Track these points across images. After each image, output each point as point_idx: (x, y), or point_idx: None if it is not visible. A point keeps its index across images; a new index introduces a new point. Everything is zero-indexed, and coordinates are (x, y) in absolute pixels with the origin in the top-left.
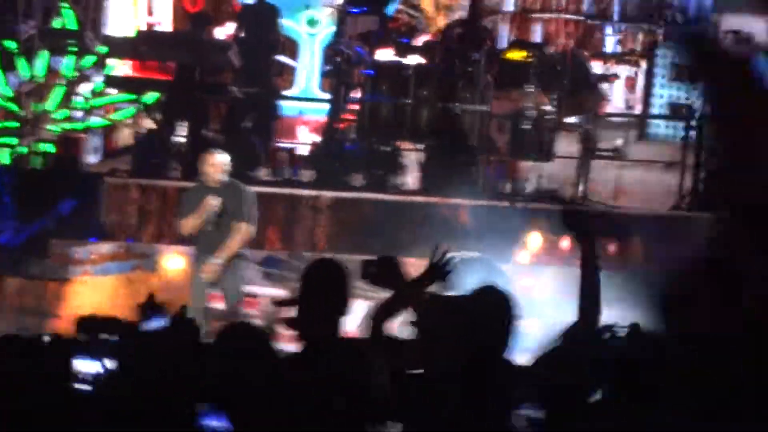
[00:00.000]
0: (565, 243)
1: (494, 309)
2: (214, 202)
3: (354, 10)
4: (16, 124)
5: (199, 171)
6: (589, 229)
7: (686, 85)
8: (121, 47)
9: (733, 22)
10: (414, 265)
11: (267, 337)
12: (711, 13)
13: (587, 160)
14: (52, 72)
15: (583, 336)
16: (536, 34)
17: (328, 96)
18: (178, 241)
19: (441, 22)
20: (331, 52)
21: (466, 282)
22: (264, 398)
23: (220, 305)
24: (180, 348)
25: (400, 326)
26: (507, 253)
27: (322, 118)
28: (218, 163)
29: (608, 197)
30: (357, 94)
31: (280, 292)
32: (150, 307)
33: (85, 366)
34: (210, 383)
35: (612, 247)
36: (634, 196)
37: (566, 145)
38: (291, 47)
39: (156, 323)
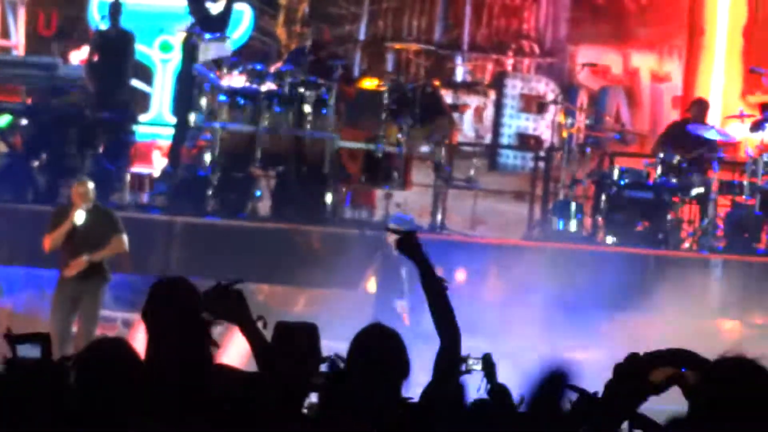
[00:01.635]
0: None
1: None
2: (78, 215)
3: (207, 36)
4: None
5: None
6: (423, 254)
7: (534, 116)
8: None
9: (588, 54)
10: (265, 292)
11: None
12: (565, 44)
13: (443, 189)
14: None
15: (448, 363)
16: (388, 63)
17: (177, 121)
18: (33, 265)
19: (294, 49)
20: (183, 77)
21: None
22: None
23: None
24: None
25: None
26: (357, 280)
27: (172, 143)
28: (85, 190)
29: (465, 226)
30: (209, 119)
31: (132, 316)
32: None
33: None
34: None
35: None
36: (489, 225)
37: (420, 174)
38: (145, 72)
39: (28, 351)
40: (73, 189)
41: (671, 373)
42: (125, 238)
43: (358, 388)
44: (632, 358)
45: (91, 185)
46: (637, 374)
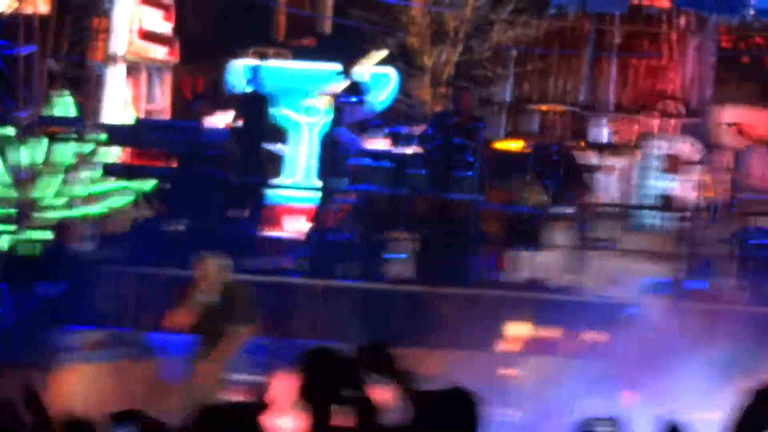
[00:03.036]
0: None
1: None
2: (202, 295)
3: (351, 99)
4: (14, 211)
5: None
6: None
7: (679, 176)
8: (119, 135)
9: (733, 114)
10: (407, 355)
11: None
12: (711, 104)
13: (585, 250)
14: (50, 159)
15: None
16: (532, 125)
17: (323, 184)
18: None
19: (438, 111)
20: (328, 141)
21: None
22: None
23: None
24: None
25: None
26: (494, 341)
27: (318, 206)
28: (211, 269)
29: (602, 287)
30: (354, 183)
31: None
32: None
33: None
34: None
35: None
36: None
37: (562, 236)
38: (281, 135)
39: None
40: (199, 265)
41: None
42: (248, 329)
43: None
44: None
45: (219, 262)
46: None
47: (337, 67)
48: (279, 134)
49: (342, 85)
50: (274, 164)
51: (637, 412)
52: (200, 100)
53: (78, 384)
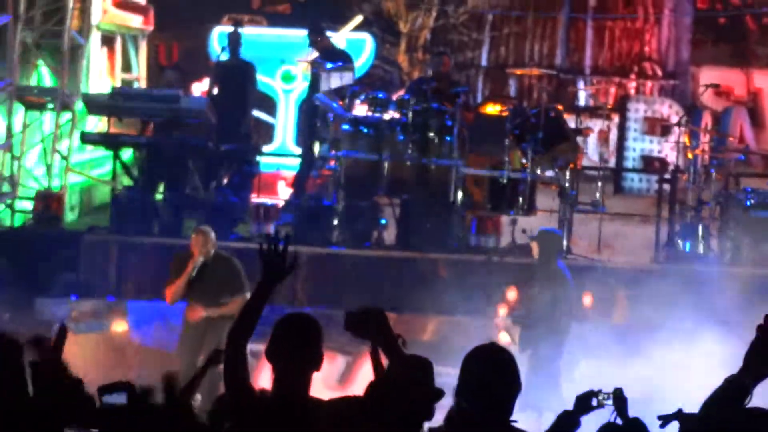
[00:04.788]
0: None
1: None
2: (196, 265)
3: (328, 65)
4: None
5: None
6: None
7: (658, 138)
8: (97, 104)
9: (711, 75)
10: (392, 320)
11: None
12: (688, 66)
13: (568, 214)
14: (28, 129)
15: None
16: (511, 89)
17: (302, 151)
18: (159, 298)
19: (416, 76)
20: (305, 107)
21: None
22: None
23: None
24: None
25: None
26: (484, 307)
27: (297, 173)
28: (204, 240)
29: (591, 251)
30: (333, 149)
31: (260, 347)
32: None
33: None
34: None
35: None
36: (615, 248)
37: (545, 199)
38: (268, 103)
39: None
40: (191, 238)
41: None
42: (240, 300)
43: (473, 407)
44: None
45: (210, 234)
46: None
47: (312, 34)
48: (266, 102)
49: (315, 52)
50: (262, 131)
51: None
52: (170, 70)
53: (71, 354)
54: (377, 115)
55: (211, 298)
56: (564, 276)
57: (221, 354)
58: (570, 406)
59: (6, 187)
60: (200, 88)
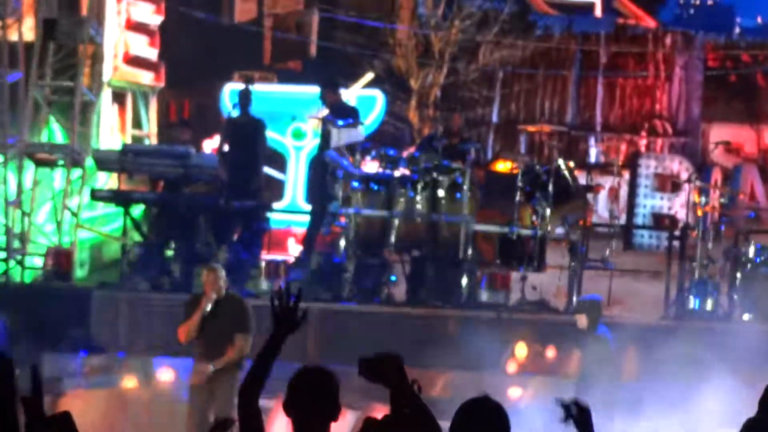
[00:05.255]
0: (551, 353)
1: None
2: (208, 303)
3: (339, 123)
4: (3, 238)
5: (200, 284)
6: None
7: (668, 195)
8: (107, 161)
9: (721, 132)
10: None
11: None
12: (699, 123)
13: (578, 270)
14: (39, 186)
15: None
16: (521, 145)
17: (312, 208)
18: (169, 354)
19: (426, 133)
20: (316, 164)
21: None
22: None
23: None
24: None
25: None
26: (494, 362)
27: (307, 229)
28: (215, 278)
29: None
30: (343, 206)
31: (269, 402)
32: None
33: None
34: None
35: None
36: (625, 305)
37: (555, 256)
38: (279, 160)
39: None
40: (203, 276)
41: None
42: (250, 340)
43: None
44: None
45: (221, 272)
46: None
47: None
48: (277, 158)
49: (326, 108)
50: (272, 188)
51: None
52: (178, 126)
53: (81, 410)
54: (388, 171)
55: (220, 339)
56: (607, 340)
57: (230, 422)
58: None
59: (16, 244)
60: (211, 144)
